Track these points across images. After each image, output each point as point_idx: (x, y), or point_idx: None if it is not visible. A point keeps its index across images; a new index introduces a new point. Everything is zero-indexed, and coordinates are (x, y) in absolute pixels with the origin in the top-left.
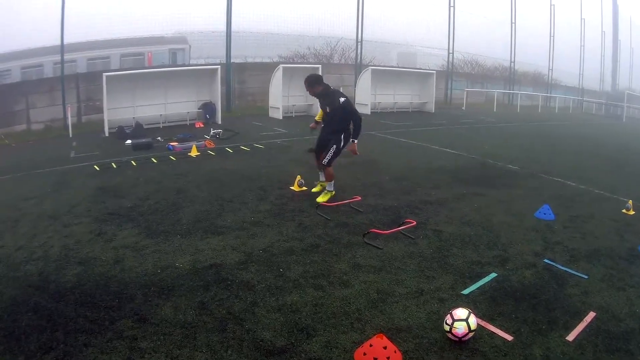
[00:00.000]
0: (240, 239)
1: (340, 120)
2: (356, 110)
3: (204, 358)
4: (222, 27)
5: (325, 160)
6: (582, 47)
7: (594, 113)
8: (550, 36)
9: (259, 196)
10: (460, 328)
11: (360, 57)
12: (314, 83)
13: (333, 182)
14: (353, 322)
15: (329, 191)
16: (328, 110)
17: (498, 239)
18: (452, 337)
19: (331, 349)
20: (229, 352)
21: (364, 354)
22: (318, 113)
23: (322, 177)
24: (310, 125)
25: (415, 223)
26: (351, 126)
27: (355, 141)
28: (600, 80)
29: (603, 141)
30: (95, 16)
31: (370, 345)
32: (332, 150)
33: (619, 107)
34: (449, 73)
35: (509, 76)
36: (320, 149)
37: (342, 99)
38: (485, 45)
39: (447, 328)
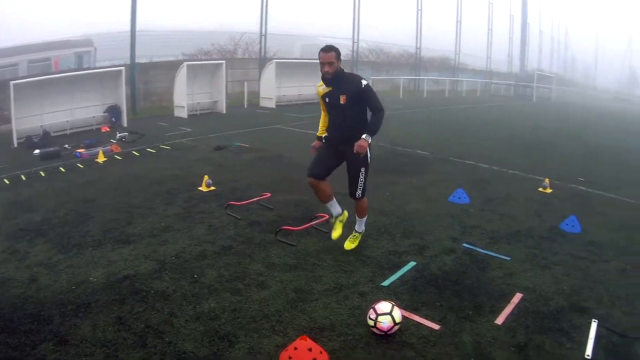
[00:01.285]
0: (151, 246)
1: (361, 113)
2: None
3: None
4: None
5: (359, 192)
6: (490, 31)
7: (503, 94)
8: (457, 22)
9: (167, 200)
10: (385, 322)
11: (264, 51)
12: (339, 54)
13: (365, 217)
14: (274, 325)
15: (359, 233)
16: (342, 102)
17: (414, 226)
18: (378, 332)
19: (255, 355)
20: None
21: (290, 357)
22: (320, 122)
23: (335, 210)
24: (313, 144)
25: (327, 217)
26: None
27: (370, 139)
28: (509, 62)
29: (514, 122)
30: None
31: (295, 349)
32: (363, 173)
33: (529, 88)
34: (354, 62)
35: (415, 62)
36: (326, 168)
37: (364, 82)
38: (392, 33)
39: (371, 323)
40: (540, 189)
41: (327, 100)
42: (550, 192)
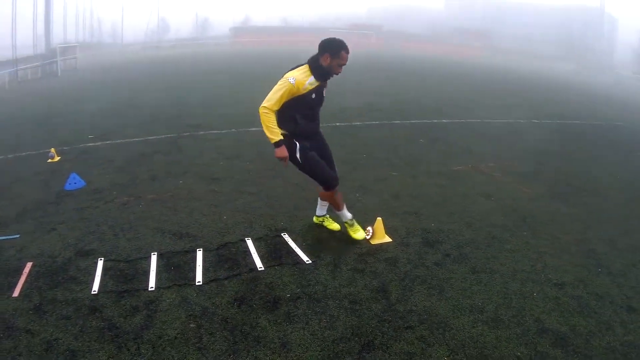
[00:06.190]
0: None
1: None
2: None
3: None
4: None
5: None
6: (14, 19)
7: (31, 78)
8: None
9: None
10: None
11: None
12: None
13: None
14: None
15: (351, 221)
16: (315, 97)
17: None
18: None
19: None
20: None
21: None
22: (272, 122)
23: (321, 211)
24: (282, 156)
25: None
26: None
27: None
28: (34, 44)
29: (36, 104)
30: None
31: None
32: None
33: (55, 63)
34: None
35: None
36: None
37: None
38: None
39: None
40: (50, 160)
41: (313, 96)
42: (60, 159)
